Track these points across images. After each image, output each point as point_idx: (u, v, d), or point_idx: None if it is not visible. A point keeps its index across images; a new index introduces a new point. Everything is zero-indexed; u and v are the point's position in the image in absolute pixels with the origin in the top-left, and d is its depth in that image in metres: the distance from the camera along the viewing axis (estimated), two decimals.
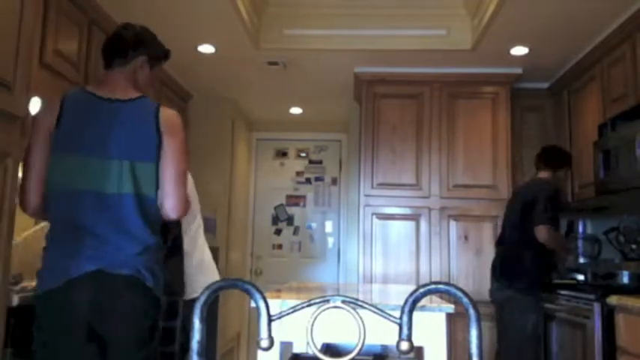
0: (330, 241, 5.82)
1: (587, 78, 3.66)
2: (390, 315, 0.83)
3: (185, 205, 1.87)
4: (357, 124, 4.44)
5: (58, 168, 1.74)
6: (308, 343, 1.79)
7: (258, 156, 5.99)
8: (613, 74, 3.27)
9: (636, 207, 3.35)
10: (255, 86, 4.72)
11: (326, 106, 5.26)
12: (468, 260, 3.92)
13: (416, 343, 0.84)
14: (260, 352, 1.92)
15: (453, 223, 3.98)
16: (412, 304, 0.82)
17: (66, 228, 1.72)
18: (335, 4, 3.73)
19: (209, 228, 2.92)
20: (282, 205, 5.89)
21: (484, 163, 3.97)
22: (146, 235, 1.76)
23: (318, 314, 0.83)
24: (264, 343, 0.83)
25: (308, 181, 5.92)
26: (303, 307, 0.85)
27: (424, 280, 3.89)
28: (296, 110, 5.46)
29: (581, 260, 4.01)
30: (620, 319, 2.55)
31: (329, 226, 5.85)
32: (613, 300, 2.59)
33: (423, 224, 3.99)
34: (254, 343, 5.41)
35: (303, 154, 5.97)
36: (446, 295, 0.89)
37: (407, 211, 4.01)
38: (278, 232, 5.86)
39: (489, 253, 3.73)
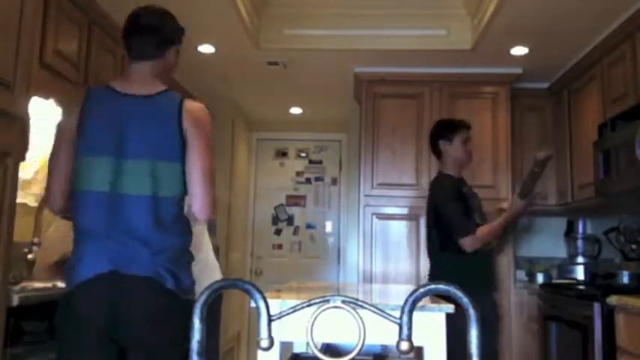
0: (330, 241, 5.82)
1: (587, 78, 3.66)
2: (390, 315, 0.83)
3: (214, 206, 1.76)
4: (357, 124, 4.44)
5: (80, 169, 1.69)
6: (308, 343, 1.79)
7: (258, 156, 5.99)
8: (613, 74, 3.27)
9: (636, 207, 3.35)
10: (255, 86, 4.71)
11: (326, 106, 5.26)
12: None
13: (416, 343, 0.84)
14: (260, 352, 1.91)
15: None
16: (412, 304, 0.82)
17: (83, 229, 1.68)
18: (335, 4, 3.73)
19: (209, 228, 2.92)
20: (282, 205, 5.89)
21: (484, 163, 3.97)
22: (161, 238, 1.68)
23: (318, 314, 0.83)
24: (264, 343, 0.83)
25: (308, 181, 5.92)
26: (303, 307, 0.85)
27: (424, 280, 3.89)
28: (296, 110, 5.46)
29: (581, 260, 4.01)
30: (620, 319, 2.55)
31: (329, 226, 5.85)
32: (613, 300, 2.59)
33: (423, 224, 3.98)
34: (254, 343, 5.41)
35: (303, 154, 5.98)
36: (446, 295, 0.89)
37: (407, 211, 4.01)
38: (278, 232, 5.86)
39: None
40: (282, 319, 0.84)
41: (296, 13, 3.79)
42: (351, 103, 4.84)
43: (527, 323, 3.79)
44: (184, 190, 1.74)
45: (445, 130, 3.05)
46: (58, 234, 2.63)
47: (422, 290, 0.83)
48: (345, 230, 5.58)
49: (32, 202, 2.80)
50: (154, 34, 1.81)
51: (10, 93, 1.82)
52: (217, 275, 2.76)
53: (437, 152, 3.07)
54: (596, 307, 2.75)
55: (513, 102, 4.12)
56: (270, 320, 0.83)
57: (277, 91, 4.86)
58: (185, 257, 1.77)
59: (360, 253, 4.02)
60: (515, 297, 3.87)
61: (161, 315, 1.65)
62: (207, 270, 2.70)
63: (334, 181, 5.89)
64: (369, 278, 3.93)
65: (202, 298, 0.84)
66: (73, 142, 1.71)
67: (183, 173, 1.71)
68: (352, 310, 0.83)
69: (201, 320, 0.84)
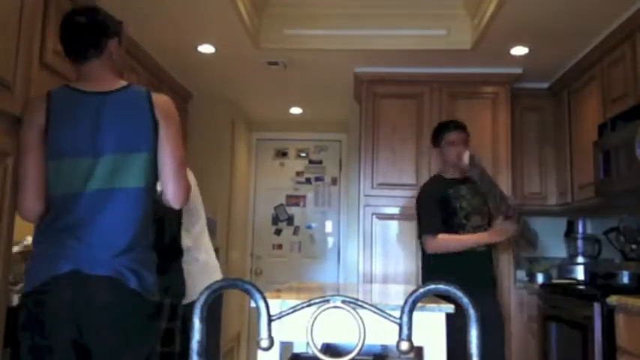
0: (330, 241, 5.82)
1: (587, 78, 3.66)
2: (390, 315, 0.83)
3: (187, 193, 1.82)
4: (357, 124, 4.44)
5: (54, 172, 1.69)
6: (308, 343, 1.79)
7: (258, 156, 5.99)
8: (613, 74, 3.27)
9: (636, 207, 3.35)
10: (255, 86, 4.71)
11: (326, 106, 5.26)
12: None
13: (416, 343, 0.84)
14: (260, 352, 1.91)
15: None
16: (412, 304, 0.82)
17: (49, 230, 1.68)
18: (335, 4, 3.73)
19: (209, 228, 2.93)
20: (282, 205, 5.89)
21: (484, 163, 3.96)
22: (135, 233, 1.69)
23: (318, 314, 0.83)
24: (264, 343, 0.83)
25: (308, 181, 5.92)
26: (303, 307, 0.85)
27: None
28: (296, 110, 5.46)
29: (581, 260, 4.01)
30: (620, 319, 2.55)
31: (329, 226, 5.85)
32: (613, 300, 2.59)
33: None
34: (254, 343, 5.41)
35: (303, 154, 5.97)
36: (446, 295, 0.89)
37: (407, 211, 4.01)
38: (278, 232, 5.86)
39: None
40: (282, 319, 0.84)
41: (296, 13, 3.79)
42: (351, 103, 4.84)
43: (527, 323, 3.79)
44: (156, 180, 1.78)
45: (435, 132, 3.17)
46: None
47: (422, 290, 0.83)
48: (345, 230, 5.58)
49: None
50: (89, 33, 1.81)
51: (10, 93, 1.81)
52: (217, 276, 2.76)
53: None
54: (596, 307, 2.75)
55: (513, 102, 4.12)
56: (270, 320, 0.83)
57: (277, 91, 4.86)
58: (149, 255, 1.77)
59: (359, 253, 4.02)
60: (515, 297, 3.87)
61: (121, 315, 1.64)
62: (207, 270, 2.70)
63: (334, 181, 5.89)
64: (368, 278, 3.93)
65: (202, 298, 0.84)
66: (40, 147, 1.71)
67: (155, 163, 1.75)
68: (352, 310, 0.83)
69: (201, 320, 0.84)
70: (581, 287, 3.28)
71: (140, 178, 1.71)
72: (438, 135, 3.13)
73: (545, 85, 4.27)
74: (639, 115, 2.88)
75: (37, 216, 1.74)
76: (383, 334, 1.24)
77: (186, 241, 2.69)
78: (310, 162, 5.96)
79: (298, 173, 5.93)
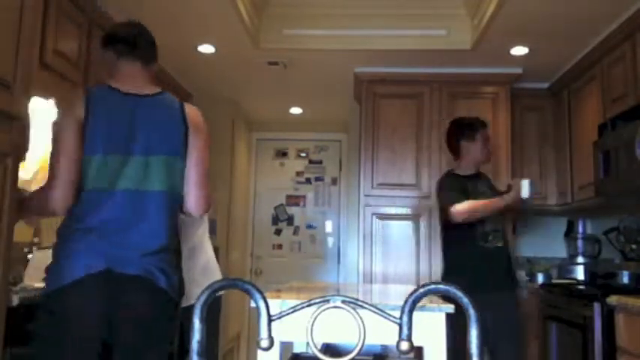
0: (330, 241, 5.82)
1: (587, 78, 3.66)
2: (390, 315, 0.83)
3: (208, 204, 1.90)
4: (357, 124, 4.44)
5: (88, 168, 1.71)
6: (308, 343, 1.79)
7: (258, 156, 5.99)
8: (613, 74, 3.27)
9: (636, 207, 3.35)
10: (255, 86, 4.72)
11: (326, 106, 5.26)
12: None
13: (416, 343, 0.84)
14: (260, 352, 1.91)
15: None
16: (412, 304, 0.82)
17: (78, 227, 1.70)
18: (335, 4, 3.73)
19: (210, 228, 2.95)
20: (282, 205, 5.89)
21: (484, 163, 3.97)
22: (166, 235, 1.75)
23: (318, 314, 0.83)
24: (264, 343, 0.83)
25: (308, 181, 5.92)
26: (303, 307, 0.85)
27: (424, 280, 3.89)
28: (296, 110, 5.46)
29: (581, 260, 4.01)
30: (620, 319, 2.55)
31: (329, 226, 5.85)
32: (613, 300, 2.59)
33: (423, 224, 3.99)
34: (254, 343, 5.41)
35: (303, 154, 5.97)
36: (446, 295, 0.89)
37: (407, 211, 4.01)
38: (278, 232, 5.86)
39: None
40: (282, 319, 0.84)
41: (296, 13, 3.79)
42: (351, 103, 4.84)
43: (527, 323, 3.79)
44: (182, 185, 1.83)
45: (467, 129, 3.04)
46: None
47: (422, 290, 0.83)
48: (345, 230, 5.58)
49: None
50: (154, 44, 1.97)
51: (10, 93, 1.81)
52: (218, 277, 2.77)
53: (455, 151, 3.07)
54: (596, 307, 2.75)
55: (513, 102, 4.12)
56: (270, 320, 0.83)
57: (277, 91, 4.86)
58: (176, 257, 1.82)
59: (360, 253, 4.02)
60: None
61: (149, 314, 1.69)
62: (207, 272, 2.71)
63: (334, 181, 5.89)
64: (369, 278, 3.93)
65: (202, 298, 0.84)
66: (76, 141, 1.73)
67: (183, 169, 1.82)
68: (352, 310, 0.83)
69: (201, 320, 0.84)
70: (581, 287, 3.28)
71: (171, 182, 1.78)
72: (476, 129, 3.03)
73: (545, 85, 4.27)
74: (639, 115, 2.88)
75: (65, 209, 1.74)
76: (383, 334, 1.24)
77: (189, 242, 2.71)
78: (310, 162, 5.96)
79: (298, 173, 5.93)
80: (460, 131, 3.07)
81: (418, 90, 4.12)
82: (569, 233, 4.19)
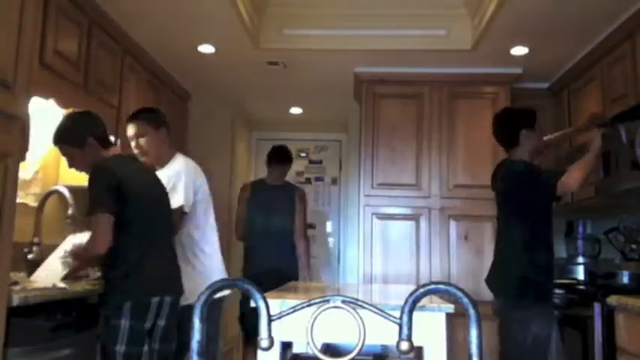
0: (330, 241, 5.82)
1: (587, 78, 3.65)
2: (390, 315, 0.83)
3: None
4: (357, 124, 4.44)
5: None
6: (308, 343, 1.79)
7: (258, 156, 5.98)
8: (613, 74, 3.27)
9: (636, 207, 3.35)
10: (255, 86, 4.71)
11: (326, 106, 5.26)
12: (468, 260, 3.91)
13: (416, 343, 0.84)
14: (260, 352, 1.91)
15: (453, 223, 3.98)
16: (412, 304, 0.82)
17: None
18: (335, 4, 3.72)
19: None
20: None
21: (484, 163, 3.96)
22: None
23: (318, 314, 0.83)
24: (264, 343, 0.83)
25: (308, 181, 5.92)
26: (303, 307, 0.85)
27: (424, 280, 3.89)
28: (296, 110, 5.46)
29: (581, 260, 4.00)
30: (620, 319, 2.55)
31: (329, 226, 5.84)
32: (613, 300, 2.59)
33: (423, 224, 3.99)
34: None
35: (303, 154, 5.97)
36: (446, 295, 0.89)
37: (407, 211, 4.01)
38: None
39: (489, 253, 3.72)
40: (282, 319, 0.84)
41: (296, 13, 3.79)
42: (351, 103, 4.84)
43: None
44: None
45: (529, 118, 2.89)
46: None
47: (422, 290, 0.83)
48: (345, 230, 5.58)
49: (32, 202, 2.80)
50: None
51: (10, 93, 1.82)
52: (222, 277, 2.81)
53: (513, 142, 2.86)
54: (596, 307, 2.75)
55: (513, 102, 4.11)
56: (270, 320, 0.83)
57: (277, 91, 4.86)
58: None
59: (359, 253, 4.02)
60: None
61: None
62: (214, 274, 2.77)
63: (334, 181, 5.89)
64: (369, 278, 3.93)
65: (202, 298, 0.84)
66: None
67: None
68: (352, 310, 0.83)
69: (201, 320, 0.84)
70: (581, 287, 3.28)
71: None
72: (532, 121, 2.87)
73: (545, 85, 4.27)
74: (639, 115, 2.88)
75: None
76: (383, 334, 1.24)
77: (199, 244, 2.75)
78: (310, 162, 5.96)
79: (298, 173, 5.93)
80: (522, 119, 2.88)
81: (418, 90, 4.12)
82: (569, 233, 4.19)
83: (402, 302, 0.83)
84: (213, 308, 2.66)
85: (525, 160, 2.78)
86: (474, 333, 0.82)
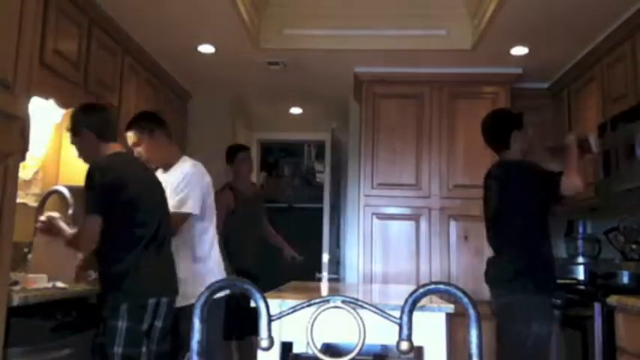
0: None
1: (587, 78, 3.65)
2: (390, 315, 0.83)
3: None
4: (357, 124, 4.44)
5: None
6: (308, 343, 1.79)
7: (258, 156, 5.98)
8: (613, 74, 3.27)
9: (636, 207, 3.35)
10: (255, 86, 4.71)
11: (326, 106, 5.26)
12: (468, 260, 3.91)
13: (416, 343, 0.84)
14: (260, 352, 1.91)
15: (453, 223, 3.98)
16: (412, 304, 0.82)
17: None
18: (335, 4, 3.72)
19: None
20: None
21: (484, 163, 3.92)
22: None
23: (318, 314, 0.83)
24: (264, 343, 0.83)
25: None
26: (303, 307, 0.85)
27: (424, 280, 3.89)
28: (296, 110, 5.46)
29: (581, 260, 4.00)
30: (620, 319, 2.55)
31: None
32: (613, 300, 2.59)
33: (423, 224, 3.99)
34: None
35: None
36: (446, 295, 0.89)
37: (407, 211, 4.01)
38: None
39: (489, 253, 3.72)
40: (282, 319, 0.84)
41: (296, 13, 3.79)
42: (351, 103, 4.84)
43: None
44: None
45: (518, 120, 2.91)
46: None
47: (422, 290, 0.83)
48: (345, 230, 5.58)
49: (32, 202, 2.80)
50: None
51: (10, 93, 1.82)
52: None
53: (504, 144, 2.86)
54: (596, 307, 2.75)
55: (513, 102, 4.12)
56: (270, 320, 0.83)
57: (277, 91, 4.86)
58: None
59: (359, 253, 4.02)
60: None
61: None
62: (214, 275, 2.77)
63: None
64: (369, 278, 3.93)
65: (202, 298, 0.84)
66: None
67: None
68: (352, 310, 0.83)
69: (201, 320, 0.84)
70: (581, 287, 3.28)
71: None
72: (521, 122, 2.90)
73: (545, 85, 4.27)
74: (639, 115, 2.88)
75: None
76: (383, 334, 1.24)
77: (202, 247, 2.76)
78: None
79: None
80: (513, 120, 2.91)
81: (418, 90, 4.12)
82: (569, 233, 4.19)
83: (402, 302, 0.83)
84: (215, 308, 2.67)
85: (521, 159, 2.80)
86: (473, 333, 0.82)
